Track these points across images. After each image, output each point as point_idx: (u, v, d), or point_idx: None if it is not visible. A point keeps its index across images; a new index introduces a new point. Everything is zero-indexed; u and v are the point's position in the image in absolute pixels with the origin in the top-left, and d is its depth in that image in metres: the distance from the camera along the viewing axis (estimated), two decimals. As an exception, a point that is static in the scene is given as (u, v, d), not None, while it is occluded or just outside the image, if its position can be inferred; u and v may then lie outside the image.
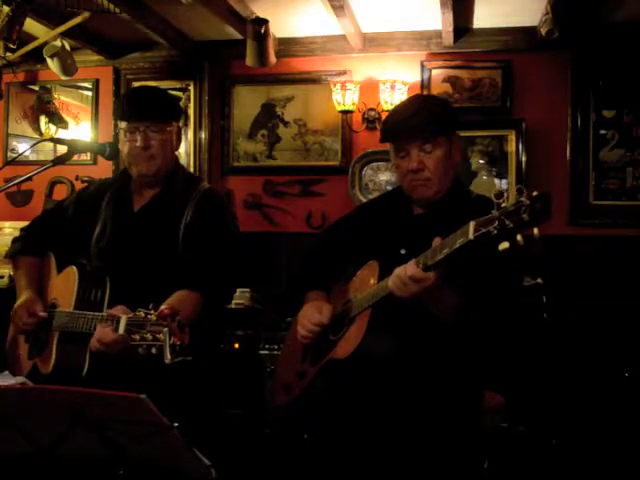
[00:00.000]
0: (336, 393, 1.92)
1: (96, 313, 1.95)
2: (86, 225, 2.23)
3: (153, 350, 1.65)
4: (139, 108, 2.14)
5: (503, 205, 1.42)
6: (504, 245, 1.41)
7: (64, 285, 2.13)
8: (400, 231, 1.97)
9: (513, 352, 1.94)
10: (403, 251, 1.88)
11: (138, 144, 2.10)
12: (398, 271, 1.67)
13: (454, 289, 1.70)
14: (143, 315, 1.69)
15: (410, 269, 1.63)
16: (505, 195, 1.43)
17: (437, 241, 1.61)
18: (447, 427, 1.81)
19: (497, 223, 1.41)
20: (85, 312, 1.99)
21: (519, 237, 1.39)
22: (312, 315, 1.96)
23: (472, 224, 1.48)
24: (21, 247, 2.30)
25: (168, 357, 1.62)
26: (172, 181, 2.20)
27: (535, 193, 1.38)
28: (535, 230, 1.38)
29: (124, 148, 2.14)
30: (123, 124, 2.14)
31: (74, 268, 2.10)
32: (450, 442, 1.80)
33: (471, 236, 1.47)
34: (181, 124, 2.45)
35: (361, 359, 1.82)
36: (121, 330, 1.73)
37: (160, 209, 2.17)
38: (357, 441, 1.83)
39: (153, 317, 1.67)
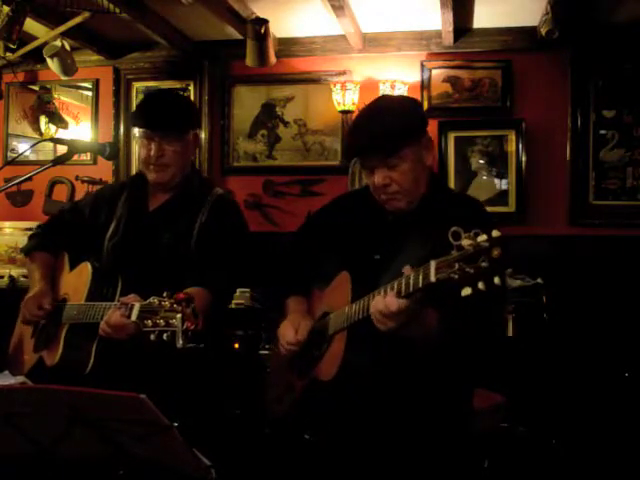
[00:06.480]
0: (326, 412, 1.88)
1: (108, 303, 1.95)
2: (102, 224, 2.25)
3: (165, 336, 1.65)
4: (155, 120, 2.11)
5: (464, 245, 1.32)
6: (466, 291, 1.32)
7: (77, 281, 2.14)
8: (374, 235, 1.91)
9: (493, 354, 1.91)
10: (377, 256, 1.85)
11: (152, 153, 2.10)
12: (378, 306, 1.57)
13: (432, 313, 1.62)
14: (157, 302, 1.69)
15: (389, 304, 1.52)
16: (463, 235, 1.33)
17: (407, 270, 1.52)
18: (439, 432, 1.78)
19: (457, 267, 1.32)
20: (96, 303, 1.99)
21: (480, 285, 1.30)
22: (289, 333, 1.93)
23: (433, 264, 1.39)
24: (36, 243, 2.32)
25: (180, 342, 1.61)
26: (187, 185, 2.21)
27: (495, 234, 1.29)
28: (496, 279, 1.29)
29: (139, 152, 2.14)
30: (139, 130, 2.14)
31: (88, 265, 2.11)
32: (444, 446, 1.78)
33: (433, 278, 1.39)
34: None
35: (346, 379, 1.78)
36: (134, 317, 1.73)
37: (174, 211, 2.18)
38: (354, 457, 1.80)
39: (167, 304, 1.67)
